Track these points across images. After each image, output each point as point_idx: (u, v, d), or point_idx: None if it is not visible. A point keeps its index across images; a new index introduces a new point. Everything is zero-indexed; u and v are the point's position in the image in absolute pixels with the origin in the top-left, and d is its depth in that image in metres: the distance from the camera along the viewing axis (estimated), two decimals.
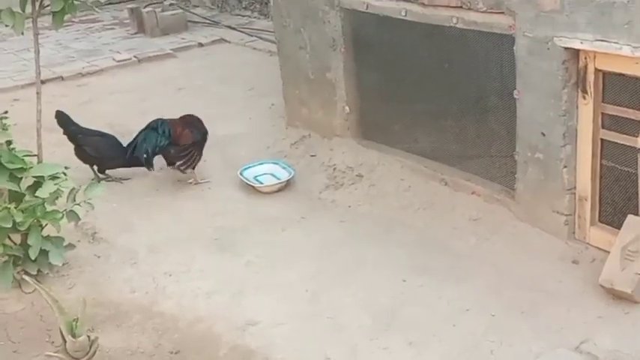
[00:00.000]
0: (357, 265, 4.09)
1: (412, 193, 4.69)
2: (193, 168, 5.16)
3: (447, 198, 4.56)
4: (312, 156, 5.36)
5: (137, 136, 5.18)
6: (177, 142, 5.11)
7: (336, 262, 4.14)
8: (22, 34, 3.92)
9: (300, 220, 4.64)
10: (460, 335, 3.47)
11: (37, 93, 4.14)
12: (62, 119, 5.27)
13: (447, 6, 4.24)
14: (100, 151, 5.19)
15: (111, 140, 5.30)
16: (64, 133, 5.27)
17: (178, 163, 5.11)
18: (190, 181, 5.19)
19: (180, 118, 5.30)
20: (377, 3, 4.66)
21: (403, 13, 4.50)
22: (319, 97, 5.38)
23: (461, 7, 4.16)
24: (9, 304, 3.99)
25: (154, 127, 5.15)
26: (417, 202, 4.61)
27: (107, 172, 5.30)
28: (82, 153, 5.22)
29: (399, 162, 4.89)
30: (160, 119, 5.21)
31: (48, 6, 3.97)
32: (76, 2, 3.97)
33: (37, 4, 3.93)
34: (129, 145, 5.19)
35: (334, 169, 5.12)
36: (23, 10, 3.90)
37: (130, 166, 5.18)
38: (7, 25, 3.85)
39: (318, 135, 5.48)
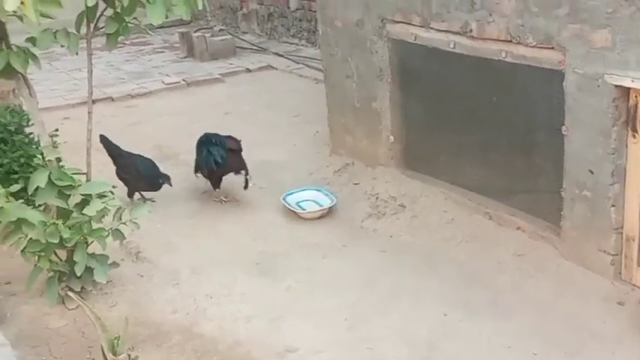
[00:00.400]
0: (397, 296, 4.06)
1: (455, 225, 4.66)
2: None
3: (491, 232, 4.52)
4: (355, 184, 5.37)
5: (200, 154, 5.33)
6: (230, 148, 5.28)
7: (376, 291, 4.12)
8: (77, 54, 4.01)
9: (342, 247, 4.64)
10: None
11: (89, 112, 4.23)
12: (105, 143, 5.42)
13: (496, 39, 4.23)
14: (128, 173, 5.33)
15: (141, 163, 5.38)
16: (109, 155, 5.42)
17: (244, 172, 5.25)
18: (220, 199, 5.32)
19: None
20: (425, 34, 4.68)
21: (452, 46, 4.52)
22: (364, 126, 5.40)
23: (510, 41, 4.16)
24: (52, 320, 4.04)
25: (208, 141, 5.31)
26: (460, 235, 4.57)
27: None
28: (120, 175, 5.35)
29: (443, 194, 4.87)
30: (207, 133, 5.39)
31: (102, 28, 4.06)
32: (129, 25, 4.05)
33: (92, 25, 4.03)
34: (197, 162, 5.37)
35: (377, 198, 5.11)
36: (78, 31, 3.99)
37: (154, 190, 5.30)
38: (62, 46, 3.95)
39: (361, 163, 5.49)
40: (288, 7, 9.60)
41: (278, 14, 9.82)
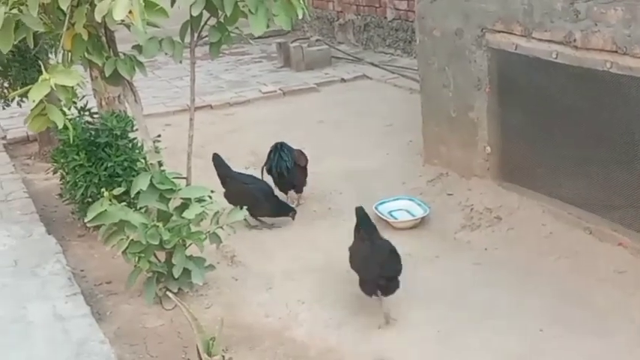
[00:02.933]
0: (491, 310, 3.98)
1: (553, 239, 4.53)
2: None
3: (591, 248, 4.37)
4: (448, 195, 5.31)
5: (270, 156, 5.42)
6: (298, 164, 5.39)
7: (469, 305, 4.05)
8: (180, 62, 4.14)
9: (434, 259, 4.59)
10: None
11: (191, 119, 4.35)
12: (217, 162, 5.37)
13: (601, 50, 4.11)
14: (233, 199, 5.03)
15: (249, 188, 5.19)
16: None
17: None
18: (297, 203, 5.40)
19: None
20: (526, 44, 4.59)
21: (554, 56, 4.41)
22: (460, 136, 5.34)
23: (616, 51, 4.02)
24: (150, 319, 4.17)
25: (280, 148, 5.42)
26: (558, 249, 4.44)
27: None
28: (228, 196, 5.18)
29: (541, 207, 4.75)
30: (279, 143, 5.49)
31: (205, 37, 4.18)
32: (232, 35, 4.16)
33: (196, 34, 4.15)
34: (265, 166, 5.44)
35: (471, 209, 5.03)
36: (182, 40, 4.12)
37: (275, 216, 5.16)
38: (166, 54, 4.09)
39: (456, 174, 5.42)
40: (385, 17, 9.61)
41: (374, 24, 9.84)
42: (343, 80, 8.79)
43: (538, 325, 3.80)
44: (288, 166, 5.31)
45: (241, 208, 4.46)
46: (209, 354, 3.28)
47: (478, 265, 4.45)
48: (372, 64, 9.25)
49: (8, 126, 7.59)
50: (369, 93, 8.24)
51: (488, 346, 3.67)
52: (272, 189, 5.30)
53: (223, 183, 5.29)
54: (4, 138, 7.32)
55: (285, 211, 5.16)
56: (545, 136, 4.70)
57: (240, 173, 5.42)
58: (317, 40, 9.80)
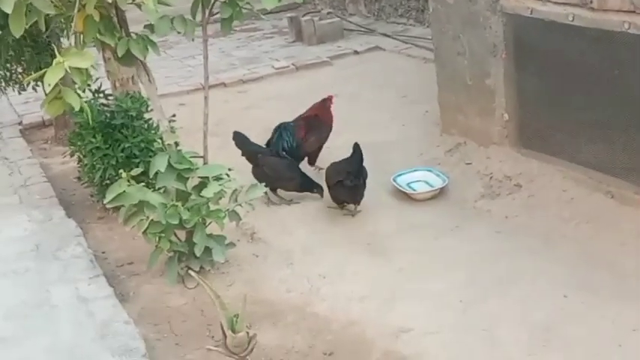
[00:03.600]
0: (514, 278, 3.96)
1: (574, 205, 4.48)
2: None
3: (613, 212, 4.32)
4: (467, 164, 5.26)
5: (273, 135, 5.41)
6: (304, 148, 5.34)
7: (491, 273, 4.03)
8: (193, 40, 4.12)
9: (454, 228, 4.56)
10: (626, 356, 3.27)
11: (205, 97, 4.34)
12: (240, 140, 5.32)
13: (618, 10, 4.03)
14: (277, 172, 5.09)
15: (288, 161, 5.23)
16: (243, 154, 5.28)
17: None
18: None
19: (305, 118, 5.50)
20: (542, 8, 4.51)
21: (570, 18, 4.33)
22: (476, 104, 5.28)
23: (634, 11, 3.94)
24: (173, 299, 4.20)
25: (283, 128, 5.39)
26: (580, 214, 4.40)
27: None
28: (258, 172, 5.13)
29: (561, 172, 4.70)
30: (283, 124, 5.43)
31: (217, 13, 4.15)
32: (243, 10, 4.12)
33: (207, 11, 4.12)
34: (267, 143, 5.39)
35: (490, 177, 4.99)
36: (194, 18, 4.09)
37: (301, 191, 5.11)
38: (178, 32, 4.06)
39: (474, 143, 5.37)
40: None
41: None
42: (356, 52, 8.71)
43: (562, 291, 3.77)
44: (285, 146, 5.25)
45: (273, 184, 4.61)
46: (233, 331, 3.29)
47: (499, 234, 4.42)
48: (385, 34, 9.15)
49: (24, 111, 7.61)
50: (383, 64, 8.17)
51: (512, 314, 3.66)
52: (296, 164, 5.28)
53: (253, 159, 5.22)
54: (20, 123, 7.35)
55: (310, 186, 5.08)
56: (564, 100, 4.64)
57: (266, 148, 5.38)
58: (328, 13, 9.70)
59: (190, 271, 3.76)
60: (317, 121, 5.51)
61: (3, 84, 6.65)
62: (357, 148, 4.85)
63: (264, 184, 4.43)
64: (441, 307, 3.80)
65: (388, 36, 9.08)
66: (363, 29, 9.59)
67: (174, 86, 8.01)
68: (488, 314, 3.69)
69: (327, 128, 5.53)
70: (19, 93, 6.77)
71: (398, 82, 7.39)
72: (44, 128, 7.19)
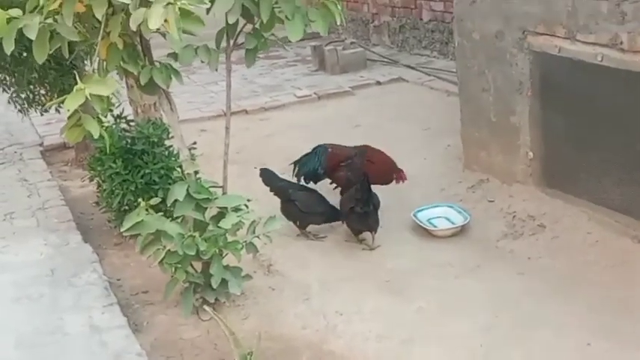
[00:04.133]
0: (536, 322, 3.85)
1: (600, 248, 4.38)
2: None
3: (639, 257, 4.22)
4: (489, 201, 5.17)
5: (301, 157, 5.35)
6: (331, 177, 5.22)
7: (512, 316, 3.93)
8: (216, 70, 4.09)
9: (475, 268, 4.47)
10: None
11: (227, 128, 4.30)
12: (268, 176, 5.21)
13: None
14: (309, 207, 4.97)
15: (317, 195, 5.11)
16: (271, 190, 5.16)
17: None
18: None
19: (344, 149, 5.37)
20: (571, 47, 4.45)
21: (599, 59, 4.26)
22: (500, 141, 5.21)
23: None
24: (186, 330, 4.12)
25: (315, 152, 5.30)
26: (605, 258, 4.29)
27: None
28: (290, 208, 5.01)
29: (586, 214, 4.60)
30: (322, 146, 5.33)
31: (241, 44, 4.12)
32: (267, 40, 4.09)
33: (232, 41, 4.09)
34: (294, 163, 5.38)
35: (514, 216, 4.90)
36: (218, 47, 4.07)
37: (331, 222, 5.01)
38: (202, 61, 4.04)
39: (497, 180, 5.29)
40: (421, 19, 9.48)
41: (410, 26, 9.71)
42: (379, 83, 8.68)
43: (586, 339, 3.66)
44: (310, 169, 5.24)
45: (305, 219, 4.74)
46: None
47: (522, 275, 4.32)
48: (408, 66, 9.12)
49: (45, 132, 7.63)
50: (406, 96, 8.13)
51: None
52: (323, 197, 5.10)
53: (282, 195, 5.08)
54: (41, 145, 7.36)
55: (337, 216, 4.96)
56: (591, 140, 4.56)
57: (295, 183, 5.28)
58: (352, 43, 9.69)
59: (205, 307, 3.69)
60: (357, 164, 5.20)
61: (26, 105, 6.68)
62: (364, 176, 4.78)
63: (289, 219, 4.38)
64: (461, 350, 3.70)
65: (411, 67, 9.05)
66: (386, 60, 9.57)
67: (196, 112, 8.00)
68: None
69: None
70: (41, 114, 6.79)
71: (420, 115, 7.34)
72: (65, 150, 7.18)
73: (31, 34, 3.35)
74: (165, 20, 3.25)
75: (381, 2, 10.19)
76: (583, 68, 4.42)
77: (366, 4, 10.46)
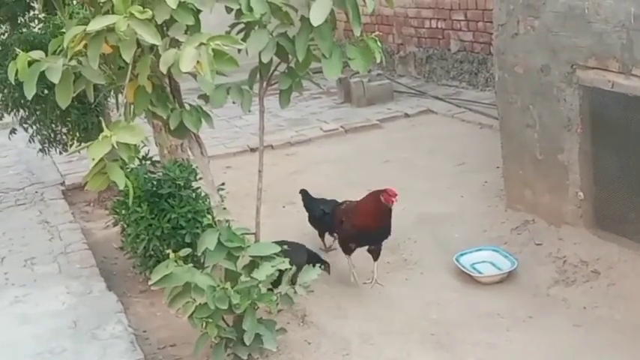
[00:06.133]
0: None
1: None
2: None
3: None
4: (537, 244, 4.85)
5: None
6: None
7: None
8: (250, 111, 3.87)
9: (527, 319, 4.16)
10: None
11: (259, 171, 4.06)
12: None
13: None
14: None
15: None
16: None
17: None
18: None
19: (348, 205, 4.93)
20: (625, 82, 4.17)
21: None
22: (547, 180, 4.91)
23: None
24: None
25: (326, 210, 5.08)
26: None
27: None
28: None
29: None
30: (334, 203, 5.08)
31: (275, 83, 3.90)
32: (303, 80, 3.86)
33: (265, 82, 3.87)
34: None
35: (564, 261, 4.58)
36: (251, 88, 3.85)
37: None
38: (234, 102, 3.81)
39: (543, 221, 4.98)
40: (449, 49, 9.24)
41: (437, 56, 9.48)
42: (407, 115, 8.43)
43: None
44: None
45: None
46: None
47: (578, 327, 4.00)
48: (437, 97, 8.87)
49: (66, 171, 7.45)
50: (436, 129, 7.87)
51: None
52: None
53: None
54: (62, 184, 7.17)
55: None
56: None
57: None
58: (378, 75, 9.46)
59: None
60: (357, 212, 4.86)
61: (47, 144, 6.50)
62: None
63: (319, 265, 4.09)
64: None
65: (440, 99, 8.80)
66: (413, 91, 9.33)
67: (220, 147, 7.79)
68: None
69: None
70: (60, 153, 6.61)
71: (452, 149, 7.07)
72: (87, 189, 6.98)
73: (55, 78, 3.15)
74: (198, 62, 3.02)
75: (406, 33, 9.97)
76: (639, 104, 4.14)
77: (392, 34, 10.25)
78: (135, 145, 3.18)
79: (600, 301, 4.18)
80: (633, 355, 3.70)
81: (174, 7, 3.06)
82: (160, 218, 4.67)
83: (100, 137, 3.15)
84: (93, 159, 3.18)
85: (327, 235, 5.23)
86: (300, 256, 4.51)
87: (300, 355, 4.05)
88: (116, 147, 3.13)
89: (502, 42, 5.01)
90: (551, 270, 4.56)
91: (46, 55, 3.31)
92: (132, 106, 3.49)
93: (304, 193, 5.49)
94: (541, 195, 4.99)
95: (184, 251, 3.81)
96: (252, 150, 7.52)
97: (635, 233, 4.40)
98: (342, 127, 8.16)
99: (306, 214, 5.39)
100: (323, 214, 5.15)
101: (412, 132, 7.89)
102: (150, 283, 3.83)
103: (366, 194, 4.76)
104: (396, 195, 4.51)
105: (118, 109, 3.72)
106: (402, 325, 4.22)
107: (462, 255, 4.79)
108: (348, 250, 4.74)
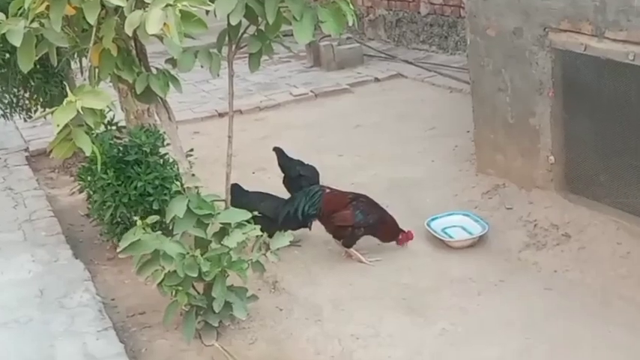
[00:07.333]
0: (571, 344, 3.56)
1: (632, 260, 4.08)
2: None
3: None
4: (508, 209, 4.86)
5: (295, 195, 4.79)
6: (328, 221, 4.56)
7: (545, 337, 3.63)
8: (218, 76, 3.77)
9: (498, 283, 4.17)
10: None
11: (229, 137, 3.98)
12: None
13: None
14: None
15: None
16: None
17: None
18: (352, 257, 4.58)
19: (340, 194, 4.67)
20: (598, 45, 4.14)
21: (631, 57, 3.96)
22: (518, 144, 4.90)
23: None
24: (189, 356, 3.81)
25: (307, 192, 4.65)
26: (638, 271, 4.00)
27: None
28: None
29: (615, 222, 4.31)
30: (319, 188, 4.70)
31: (244, 46, 3.80)
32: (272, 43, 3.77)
33: (234, 45, 3.77)
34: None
35: (535, 225, 4.59)
36: (220, 51, 3.74)
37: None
38: (202, 66, 3.72)
39: (514, 185, 4.98)
40: (419, 13, 9.15)
41: (407, 20, 9.38)
42: (377, 80, 8.36)
43: None
44: (290, 212, 4.59)
45: None
46: None
47: (549, 291, 4.02)
48: (407, 61, 8.81)
49: (30, 136, 7.25)
50: (406, 93, 7.82)
51: None
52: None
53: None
54: (26, 150, 6.99)
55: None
56: (618, 144, 4.27)
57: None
58: (347, 38, 9.33)
59: (215, 343, 3.37)
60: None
61: (9, 110, 6.32)
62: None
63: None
64: None
65: (410, 63, 8.74)
66: (383, 55, 9.25)
67: (188, 112, 7.65)
68: None
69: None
70: (25, 120, 6.44)
71: (423, 113, 7.04)
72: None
73: (16, 41, 3.03)
74: (165, 24, 2.92)
75: None
76: (611, 67, 4.13)
77: None
78: (101, 110, 3.09)
79: (571, 265, 4.20)
80: (603, 319, 3.73)
81: None
82: (127, 185, 4.57)
83: (65, 102, 3.04)
84: (58, 125, 3.08)
85: None
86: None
87: (271, 322, 4.01)
88: (81, 112, 3.02)
89: (474, 4, 4.95)
90: (522, 234, 4.57)
91: (7, 17, 3.18)
92: (97, 70, 3.38)
93: (279, 152, 5.33)
94: (512, 159, 4.99)
95: (152, 218, 3.72)
96: (221, 115, 7.41)
97: (606, 196, 4.42)
98: (312, 91, 8.07)
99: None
100: (299, 175, 5.06)
101: (383, 96, 7.84)
102: (118, 250, 3.76)
103: (388, 217, 4.58)
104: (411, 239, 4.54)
105: (82, 73, 3.59)
106: (373, 291, 4.20)
107: (433, 220, 4.78)
108: (352, 245, 4.56)
